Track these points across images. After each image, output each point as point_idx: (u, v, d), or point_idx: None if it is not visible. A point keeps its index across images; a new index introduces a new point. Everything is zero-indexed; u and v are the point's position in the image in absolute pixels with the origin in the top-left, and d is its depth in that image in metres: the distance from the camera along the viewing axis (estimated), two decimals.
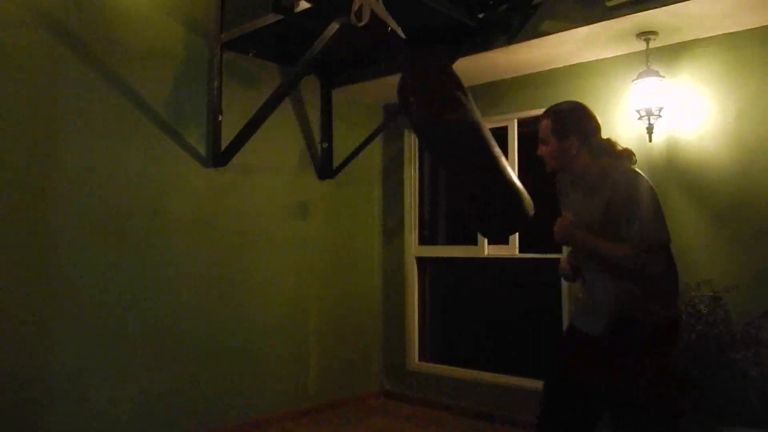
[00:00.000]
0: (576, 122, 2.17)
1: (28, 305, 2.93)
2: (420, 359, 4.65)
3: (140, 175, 3.35)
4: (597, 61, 3.67)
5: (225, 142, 3.64)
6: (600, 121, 2.21)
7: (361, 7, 2.25)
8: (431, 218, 4.85)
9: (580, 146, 2.14)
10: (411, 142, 4.78)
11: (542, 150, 2.22)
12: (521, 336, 4.18)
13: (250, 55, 3.85)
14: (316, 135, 4.34)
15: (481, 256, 4.28)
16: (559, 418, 2.16)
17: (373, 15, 2.24)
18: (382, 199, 4.86)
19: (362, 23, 2.30)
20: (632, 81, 3.36)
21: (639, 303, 2.05)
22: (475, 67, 3.89)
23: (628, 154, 2.19)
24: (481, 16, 3.39)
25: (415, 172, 4.78)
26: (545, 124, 2.20)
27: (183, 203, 3.54)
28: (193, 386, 3.52)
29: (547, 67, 3.87)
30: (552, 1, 3.31)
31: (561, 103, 2.28)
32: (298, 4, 3.13)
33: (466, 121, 2.17)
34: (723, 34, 3.24)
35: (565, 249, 2.79)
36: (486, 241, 4.25)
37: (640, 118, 3.34)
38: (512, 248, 4.11)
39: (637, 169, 2.13)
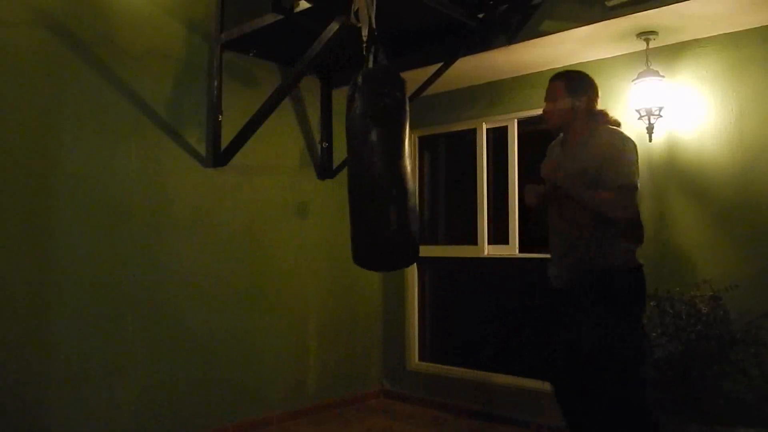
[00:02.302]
0: (586, 85, 2.49)
1: (28, 305, 2.93)
2: (420, 359, 4.65)
3: (140, 175, 3.35)
4: (597, 61, 3.67)
5: (225, 142, 3.64)
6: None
7: (359, 7, 2.25)
8: (431, 218, 4.85)
9: (587, 107, 2.44)
10: (411, 142, 4.78)
11: (550, 107, 2.48)
12: (521, 336, 4.17)
13: (250, 55, 3.85)
14: (316, 135, 4.35)
15: (481, 256, 4.28)
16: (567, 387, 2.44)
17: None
18: None
19: (360, 23, 2.30)
20: (632, 81, 3.36)
21: (605, 251, 2.32)
22: (475, 67, 3.90)
23: (617, 122, 2.53)
24: (481, 16, 3.39)
25: (415, 172, 4.78)
26: (558, 83, 2.48)
27: (183, 203, 3.54)
28: (192, 386, 3.52)
29: (547, 67, 3.86)
30: (552, 1, 3.31)
31: (571, 70, 2.60)
32: (298, 4, 3.14)
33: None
34: (723, 34, 3.24)
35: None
36: (486, 240, 4.26)
37: (640, 117, 3.34)
38: (512, 248, 4.11)
39: (622, 131, 2.46)
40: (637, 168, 2.38)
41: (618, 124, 2.51)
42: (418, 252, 2.31)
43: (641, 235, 2.46)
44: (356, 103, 2.16)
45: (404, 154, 2.22)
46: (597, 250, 2.32)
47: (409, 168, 2.25)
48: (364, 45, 2.21)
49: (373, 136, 2.14)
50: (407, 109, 2.22)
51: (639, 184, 2.39)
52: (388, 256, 2.30)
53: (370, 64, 2.22)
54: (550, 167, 2.46)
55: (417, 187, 2.42)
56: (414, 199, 2.24)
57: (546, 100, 2.54)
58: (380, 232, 2.19)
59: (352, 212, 2.25)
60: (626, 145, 2.38)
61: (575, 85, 2.46)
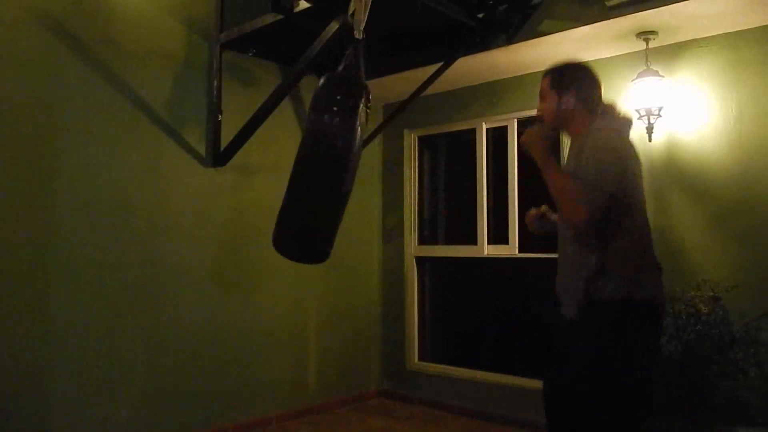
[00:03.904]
0: (575, 77, 2.15)
1: (27, 305, 2.93)
2: (419, 359, 4.65)
3: (140, 175, 3.35)
4: (597, 60, 3.66)
5: (225, 141, 3.64)
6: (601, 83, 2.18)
7: (356, 8, 2.25)
8: (431, 218, 4.85)
9: (577, 102, 2.10)
10: (411, 142, 4.78)
11: (540, 107, 2.19)
12: (521, 336, 4.18)
13: (250, 54, 3.85)
14: None
15: (481, 255, 4.28)
16: (559, 419, 2.14)
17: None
18: (382, 199, 4.86)
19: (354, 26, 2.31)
20: (632, 81, 3.37)
21: (605, 280, 1.97)
22: (474, 67, 3.90)
23: (625, 120, 2.16)
24: (481, 16, 3.39)
25: (415, 172, 4.78)
26: (545, 79, 2.19)
27: (183, 203, 3.54)
28: (192, 386, 3.52)
29: (546, 67, 3.86)
30: (552, 1, 3.31)
31: (560, 62, 2.26)
32: (298, 4, 3.14)
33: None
34: (723, 33, 3.24)
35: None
36: (486, 240, 4.26)
37: (640, 117, 3.34)
38: (512, 248, 4.11)
39: (617, 130, 2.07)
40: (614, 176, 1.94)
41: (627, 121, 2.17)
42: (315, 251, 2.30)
43: (639, 263, 2.00)
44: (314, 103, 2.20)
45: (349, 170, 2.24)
46: (585, 280, 2.01)
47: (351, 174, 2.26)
48: (351, 47, 2.21)
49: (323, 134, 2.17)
50: (356, 117, 2.22)
51: (612, 194, 1.93)
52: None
53: (355, 66, 2.22)
54: (528, 136, 2.10)
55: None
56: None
57: (539, 100, 2.26)
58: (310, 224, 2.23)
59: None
60: (608, 145, 1.99)
61: (561, 79, 2.15)
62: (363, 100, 2.18)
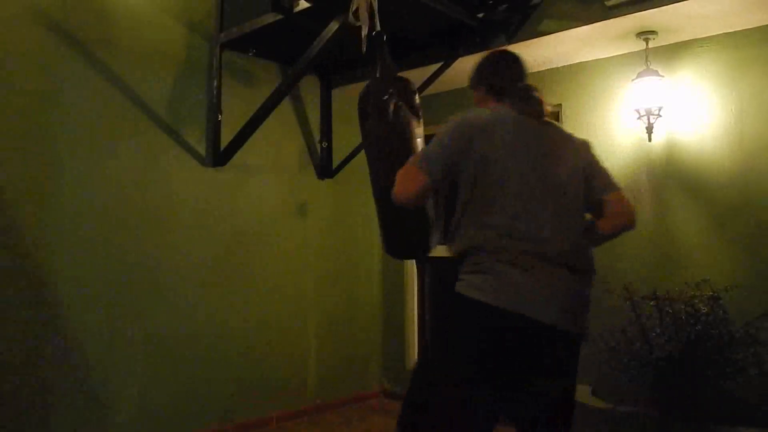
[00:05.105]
0: (479, 68, 2.05)
1: (25, 308, 2.93)
2: None
3: (140, 175, 3.35)
4: (596, 60, 3.67)
5: (225, 141, 3.64)
6: (524, 70, 2.00)
7: (359, 6, 2.25)
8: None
9: (486, 94, 1.97)
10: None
11: None
12: None
13: (250, 54, 3.85)
14: (316, 135, 4.34)
15: None
16: None
17: (370, 13, 2.24)
18: None
19: (360, 23, 2.30)
20: (632, 80, 3.36)
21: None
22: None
23: (533, 105, 1.83)
24: (480, 16, 3.39)
25: None
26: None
27: (182, 203, 3.54)
28: (192, 386, 3.52)
29: (546, 67, 3.86)
30: (551, 1, 3.31)
31: None
32: (298, 4, 3.13)
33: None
34: (723, 33, 3.24)
35: None
36: None
37: (640, 117, 3.34)
38: None
39: (483, 110, 1.91)
40: (440, 152, 1.86)
41: (533, 106, 1.86)
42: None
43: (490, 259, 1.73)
44: (370, 112, 2.19)
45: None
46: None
47: None
48: (368, 44, 2.21)
49: (390, 140, 2.18)
50: (419, 113, 2.23)
51: (435, 175, 1.84)
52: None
53: (378, 65, 2.22)
54: None
55: None
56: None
57: None
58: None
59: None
60: (447, 124, 1.90)
61: (473, 74, 2.07)
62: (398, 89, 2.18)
